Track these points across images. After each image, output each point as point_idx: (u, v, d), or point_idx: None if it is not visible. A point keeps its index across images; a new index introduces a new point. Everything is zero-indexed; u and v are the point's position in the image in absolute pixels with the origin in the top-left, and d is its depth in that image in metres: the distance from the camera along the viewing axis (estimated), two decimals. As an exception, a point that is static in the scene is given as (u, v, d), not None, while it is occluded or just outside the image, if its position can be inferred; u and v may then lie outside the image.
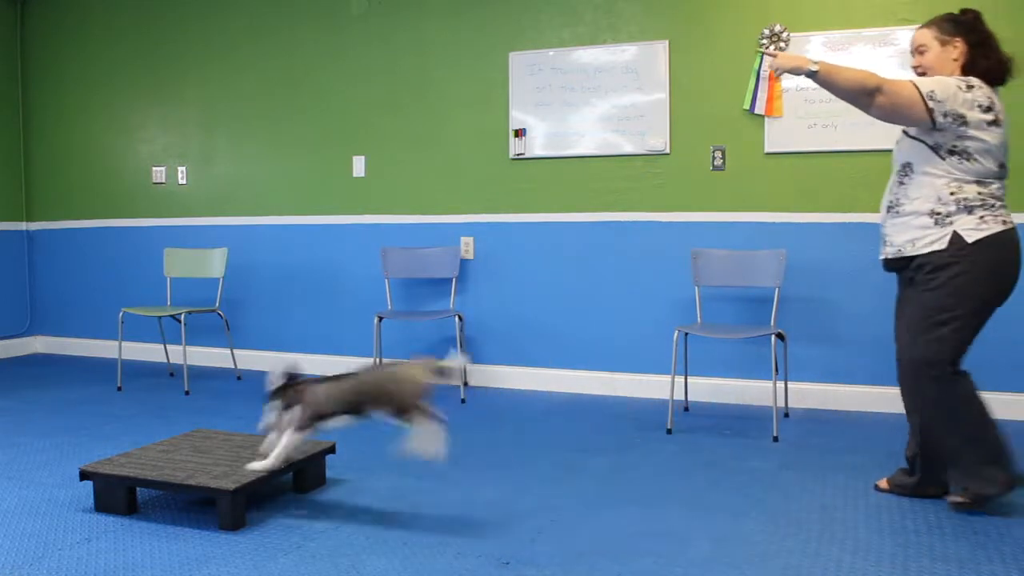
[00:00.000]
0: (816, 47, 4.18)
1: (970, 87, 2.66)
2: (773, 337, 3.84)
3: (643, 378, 4.57)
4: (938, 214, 2.69)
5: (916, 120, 2.68)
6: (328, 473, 3.12)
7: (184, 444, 3.07)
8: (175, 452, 2.97)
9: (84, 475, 2.79)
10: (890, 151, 4.09)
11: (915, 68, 2.81)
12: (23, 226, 6.15)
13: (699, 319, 4.24)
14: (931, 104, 2.63)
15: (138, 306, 5.12)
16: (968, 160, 2.67)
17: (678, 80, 4.45)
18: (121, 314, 4.87)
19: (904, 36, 4.03)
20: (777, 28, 4.23)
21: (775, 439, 3.67)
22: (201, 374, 5.22)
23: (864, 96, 2.68)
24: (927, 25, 2.80)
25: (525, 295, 4.80)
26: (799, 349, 4.24)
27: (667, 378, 4.18)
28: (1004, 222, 2.69)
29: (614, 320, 4.64)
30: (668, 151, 4.48)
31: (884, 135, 4.10)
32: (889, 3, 4.08)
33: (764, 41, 4.25)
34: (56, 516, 2.76)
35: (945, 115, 2.63)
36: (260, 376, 3.32)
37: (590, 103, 4.61)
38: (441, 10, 4.91)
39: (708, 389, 4.43)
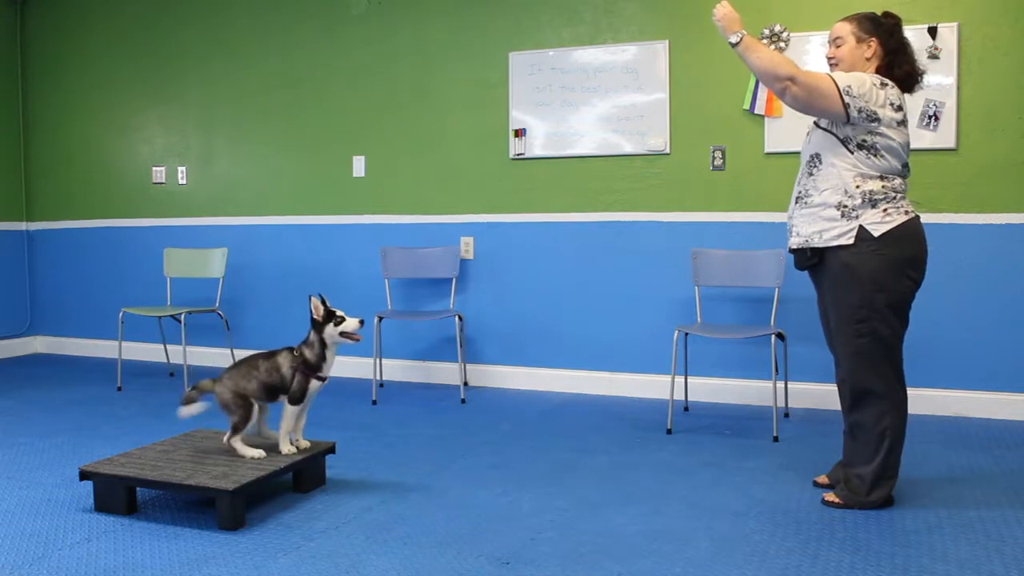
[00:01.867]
0: (816, 47, 4.18)
1: (884, 84, 2.72)
2: (773, 337, 3.84)
3: (643, 378, 4.57)
4: (845, 207, 2.74)
5: (831, 113, 2.72)
6: (328, 473, 3.12)
7: (184, 444, 3.07)
8: (175, 452, 2.97)
9: (84, 475, 2.79)
10: (890, 151, 4.11)
11: (829, 59, 2.89)
12: (23, 226, 6.15)
13: (699, 319, 4.24)
14: (847, 99, 2.67)
15: (138, 306, 5.12)
16: (875, 156, 2.72)
17: (678, 80, 4.45)
18: (121, 314, 4.87)
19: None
20: (777, 28, 4.23)
21: (775, 439, 3.67)
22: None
23: (776, 81, 2.70)
24: (848, 19, 2.86)
25: (525, 295, 4.80)
26: (799, 349, 4.24)
27: (667, 378, 4.17)
28: (907, 212, 2.75)
29: (614, 320, 4.64)
30: (668, 151, 4.48)
31: (884, 135, 4.10)
32: (889, 3, 4.06)
33: (764, 41, 4.25)
34: (56, 516, 2.76)
35: (859, 111, 2.68)
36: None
37: (590, 103, 4.61)
38: (441, 10, 4.91)
39: (708, 389, 4.43)
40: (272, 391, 2.96)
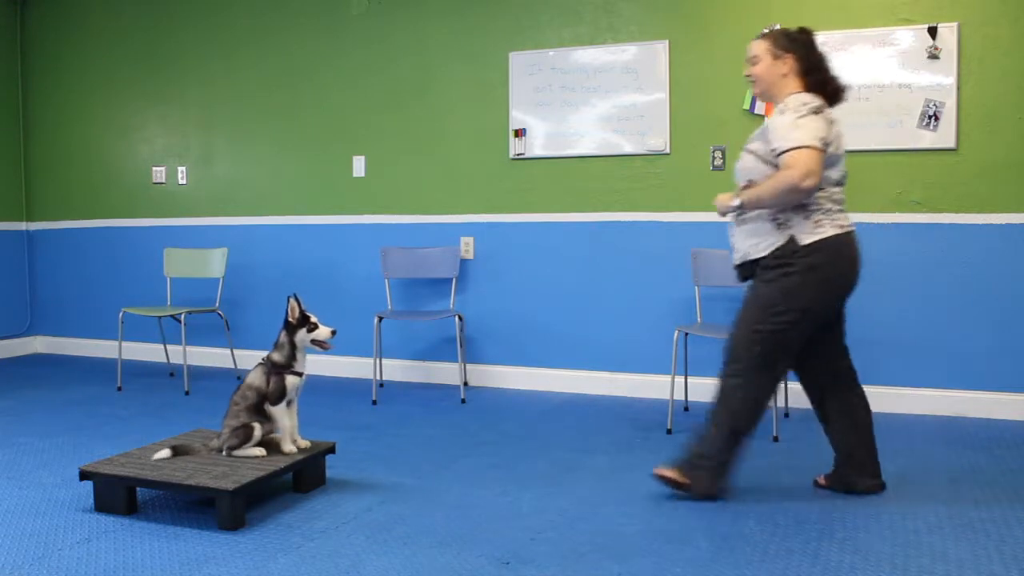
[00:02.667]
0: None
1: (815, 111, 2.75)
2: (773, 337, 3.83)
3: (643, 378, 4.57)
4: (778, 219, 2.79)
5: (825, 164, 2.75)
6: (328, 473, 3.12)
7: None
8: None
9: (84, 475, 2.79)
10: (890, 151, 4.12)
11: (747, 76, 2.97)
12: (23, 226, 6.15)
13: (699, 319, 4.24)
14: (825, 147, 2.73)
15: (138, 306, 5.12)
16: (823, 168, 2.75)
17: (678, 80, 4.45)
18: (121, 314, 4.87)
19: (904, 36, 4.04)
20: (777, 28, 4.22)
21: (775, 439, 3.67)
22: (201, 374, 5.22)
23: (792, 194, 2.72)
24: (763, 37, 2.93)
25: (525, 295, 4.80)
26: (799, 349, 4.24)
27: (667, 378, 4.17)
28: (840, 226, 2.78)
29: (614, 320, 4.64)
30: (668, 151, 4.48)
31: (884, 135, 4.10)
32: (889, 3, 4.08)
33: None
34: (56, 516, 2.76)
35: (827, 146, 2.74)
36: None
37: (590, 103, 4.61)
38: (441, 10, 4.91)
39: (708, 389, 4.40)
40: (259, 408, 2.95)
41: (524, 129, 4.75)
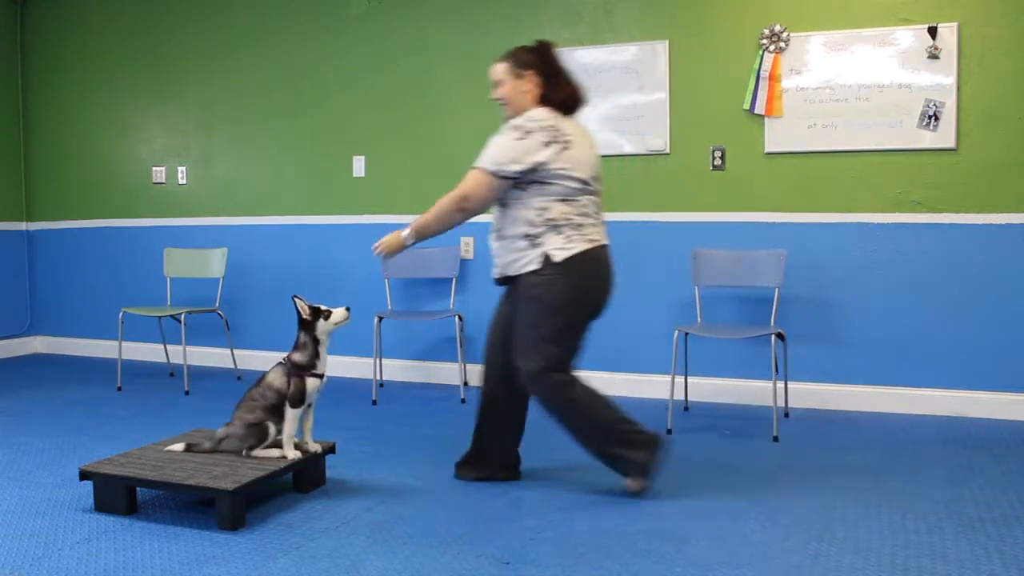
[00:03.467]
0: (816, 47, 4.18)
1: (528, 132, 2.80)
2: (773, 337, 3.84)
3: (643, 378, 4.57)
4: (529, 236, 2.84)
5: (501, 193, 2.85)
6: (328, 473, 3.12)
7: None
8: (175, 452, 2.97)
9: (84, 475, 2.79)
10: (890, 151, 4.12)
11: (496, 100, 3.01)
12: (23, 226, 6.15)
13: (699, 319, 4.24)
14: (502, 174, 2.80)
15: (138, 306, 5.12)
16: (548, 185, 2.81)
17: (678, 80, 4.45)
18: (121, 314, 4.87)
19: (904, 36, 4.04)
20: (777, 28, 4.23)
21: (775, 439, 3.67)
22: (201, 374, 5.22)
23: (456, 215, 2.89)
24: (503, 59, 2.98)
25: (525, 295, 4.79)
26: (799, 349, 4.24)
27: (667, 378, 4.17)
28: (590, 240, 2.86)
29: (614, 320, 4.61)
30: (668, 151, 4.48)
31: (884, 135, 4.10)
32: (889, 3, 4.08)
33: (764, 41, 4.25)
34: (56, 516, 2.76)
35: (517, 172, 2.79)
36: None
37: (590, 103, 4.59)
38: (441, 10, 4.91)
39: (708, 389, 4.43)
40: (276, 409, 2.92)
41: (524, 129, 4.74)
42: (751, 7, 4.30)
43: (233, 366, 5.21)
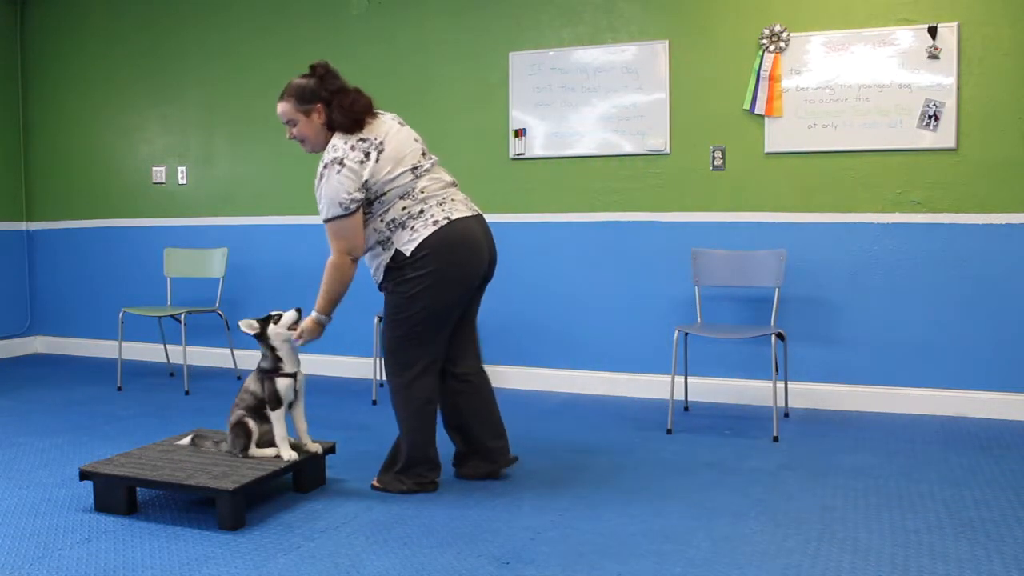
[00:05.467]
0: (816, 47, 4.18)
1: (342, 164, 2.78)
2: (773, 337, 3.83)
3: (643, 378, 4.57)
4: (381, 242, 2.88)
5: (362, 224, 2.84)
6: (328, 473, 3.12)
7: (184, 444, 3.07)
8: (175, 452, 2.97)
9: (84, 475, 2.79)
10: (890, 151, 4.12)
11: (291, 139, 2.98)
12: (23, 226, 6.15)
13: (699, 319, 4.24)
14: (352, 208, 2.79)
15: (138, 306, 5.12)
16: (384, 195, 2.83)
17: (678, 80, 4.45)
18: (121, 314, 4.87)
19: (904, 36, 4.04)
20: (777, 28, 4.23)
21: (775, 439, 3.67)
22: (201, 374, 5.22)
23: (347, 269, 2.86)
24: (285, 98, 2.94)
25: (525, 295, 4.80)
26: (799, 349, 4.24)
27: (667, 378, 4.17)
28: (435, 223, 2.84)
29: (614, 320, 4.64)
30: (668, 151, 4.48)
31: (884, 135, 4.10)
32: (889, 3, 4.08)
33: (764, 41, 4.25)
34: (56, 516, 2.76)
35: (356, 200, 2.79)
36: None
37: (590, 103, 4.61)
38: (441, 10, 4.91)
39: (708, 389, 4.43)
40: (255, 409, 2.95)
41: (524, 129, 4.75)
42: (751, 7, 4.30)
43: (233, 366, 5.21)
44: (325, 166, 2.82)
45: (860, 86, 4.11)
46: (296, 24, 5.25)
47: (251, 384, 2.98)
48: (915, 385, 4.15)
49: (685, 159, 4.45)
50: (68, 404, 4.45)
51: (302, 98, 2.88)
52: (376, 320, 4.57)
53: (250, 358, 5.26)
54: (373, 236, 2.88)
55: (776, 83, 4.23)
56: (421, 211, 2.85)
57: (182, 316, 4.78)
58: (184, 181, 5.65)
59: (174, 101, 5.64)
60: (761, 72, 4.26)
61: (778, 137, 4.27)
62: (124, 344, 5.09)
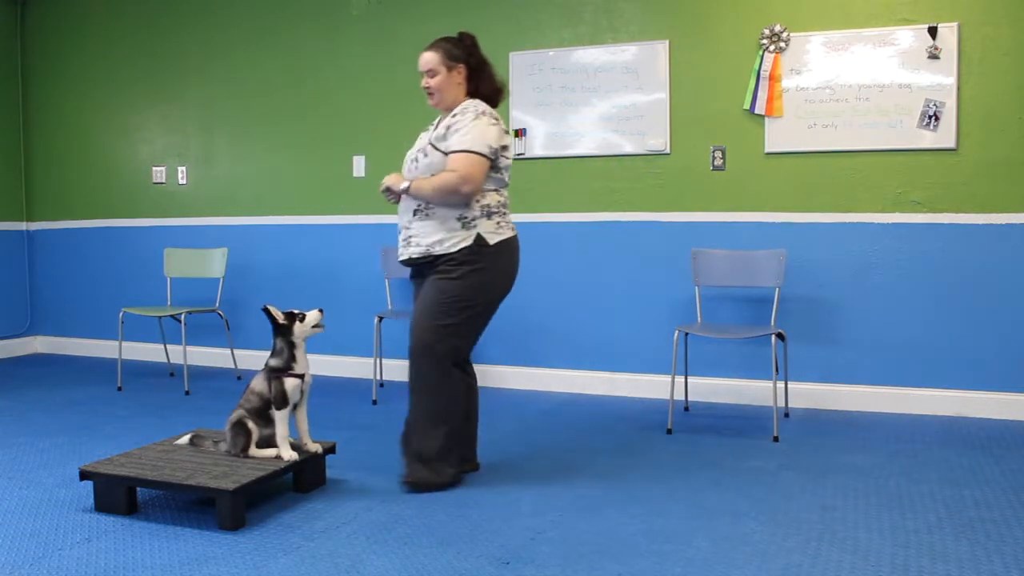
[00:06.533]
0: (816, 47, 4.18)
1: (496, 120, 2.94)
2: (773, 337, 3.83)
3: (643, 378, 4.57)
4: (465, 218, 2.92)
5: (488, 174, 2.92)
6: (328, 473, 3.12)
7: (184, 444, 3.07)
8: (175, 452, 2.97)
9: (84, 475, 2.79)
10: (890, 151, 4.12)
11: (425, 88, 3.04)
12: (23, 226, 6.15)
13: (699, 319, 4.24)
14: (493, 156, 2.90)
15: (138, 306, 5.12)
16: (499, 172, 2.96)
17: (678, 80, 4.45)
18: (121, 314, 4.87)
19: (904, 36, 4.04)
20: (777, 28, 4.23)
21: (775, 439, 3.67)
22: (201, 374, 5.22)
23: (451, 196, 2.88)
24: (433, 49, 3.00)
25: (525, 295, 4.77)
26: (799, 349, 4.24)
27: (667, 378, 4.17)
28: (512, 229, 3.04)
29: (614, 320, 4.64)
30: (668, 151, 4.48)
31: (884, 135, 4.11)
32: (889, 3, 4.08)
33: (764, 41, 4.25)
34: (56, 516, 2.76)
35: (496, 153, 2.91)
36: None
37: (590, 103, 4.61)
38: (441, 10, 4.91)
39: (708, 389, 4.43)
40: (259, 411, 2.95)
41: (524, 129, 4.75)
42: (751, 7, 4.30)
43: (233, 366, 5.21)
44: (476, 116, 2.90)
45: (860, 86, 4.11)
46: (296, 24, 5.25)
47: (257, 385, 2.97)
48: (915, 385, 4.15)
49: (685, 159, 4.46)
50: (68, 404, 4.45)
51: (450, 54, 2.99)
52: (376, 320, 4.57)
53: (250, 358, 5.29)
54: (459, 206, 2.91)
55: (776, 83, 4.23)
56: (504, 213, 3.00)
57: (182, 316, 4.78)
58: (184, 181, 5.65)
59: (174, 101, 5.64)
60: (761, 72, 4.26)
61: (778, 137, 4.27)
62: (124, 344, 5.09)
